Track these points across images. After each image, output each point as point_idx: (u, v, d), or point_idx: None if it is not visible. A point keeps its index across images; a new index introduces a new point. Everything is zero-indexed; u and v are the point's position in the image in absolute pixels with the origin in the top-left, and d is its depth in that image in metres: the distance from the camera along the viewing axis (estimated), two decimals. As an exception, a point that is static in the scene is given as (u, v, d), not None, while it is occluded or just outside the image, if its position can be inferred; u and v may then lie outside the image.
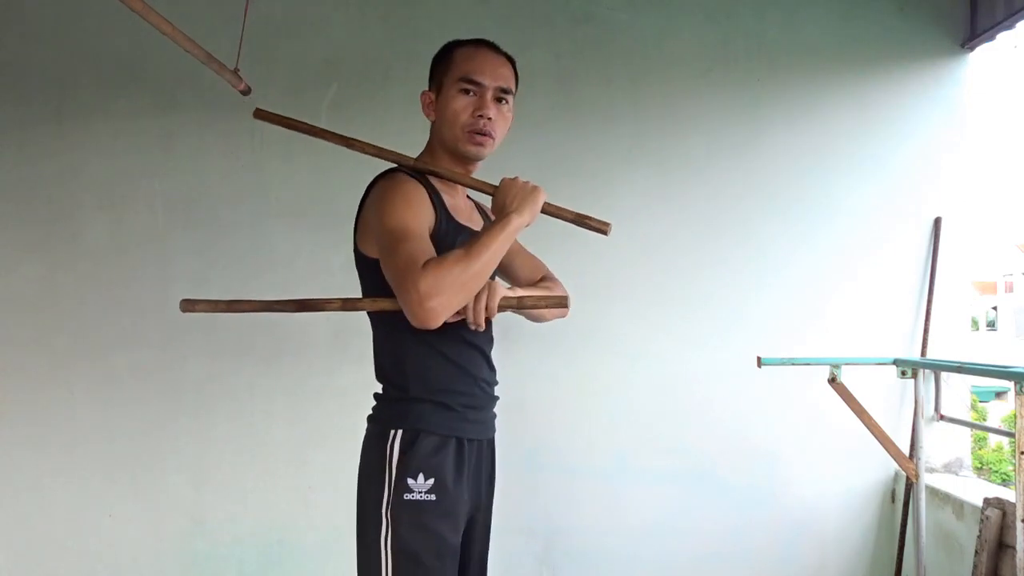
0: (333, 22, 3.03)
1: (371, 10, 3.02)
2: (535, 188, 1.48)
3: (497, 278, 1.52)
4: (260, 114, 1.63)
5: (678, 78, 3.01)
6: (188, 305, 1.54)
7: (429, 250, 1.37)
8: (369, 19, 3.02)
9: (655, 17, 3.02)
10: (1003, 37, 2.90)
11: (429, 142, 1.62)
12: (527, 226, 1.46)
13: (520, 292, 1.55)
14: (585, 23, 3.02)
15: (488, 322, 1.51)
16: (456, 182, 1.57)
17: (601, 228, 1.52)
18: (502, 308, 1.44)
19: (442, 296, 1.31)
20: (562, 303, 1.52)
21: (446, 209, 1.52)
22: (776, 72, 3.02)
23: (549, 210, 1.51)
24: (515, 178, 1.50)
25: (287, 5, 3.00)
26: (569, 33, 3.02)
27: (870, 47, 3.01)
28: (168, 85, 2.98)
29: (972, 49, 2.99)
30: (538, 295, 1.53)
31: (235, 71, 2.10)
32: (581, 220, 1.52)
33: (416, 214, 1.44)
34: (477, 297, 1.40)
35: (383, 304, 1.45)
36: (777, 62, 3.02)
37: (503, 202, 1.47)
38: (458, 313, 1.39)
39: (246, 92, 2.18)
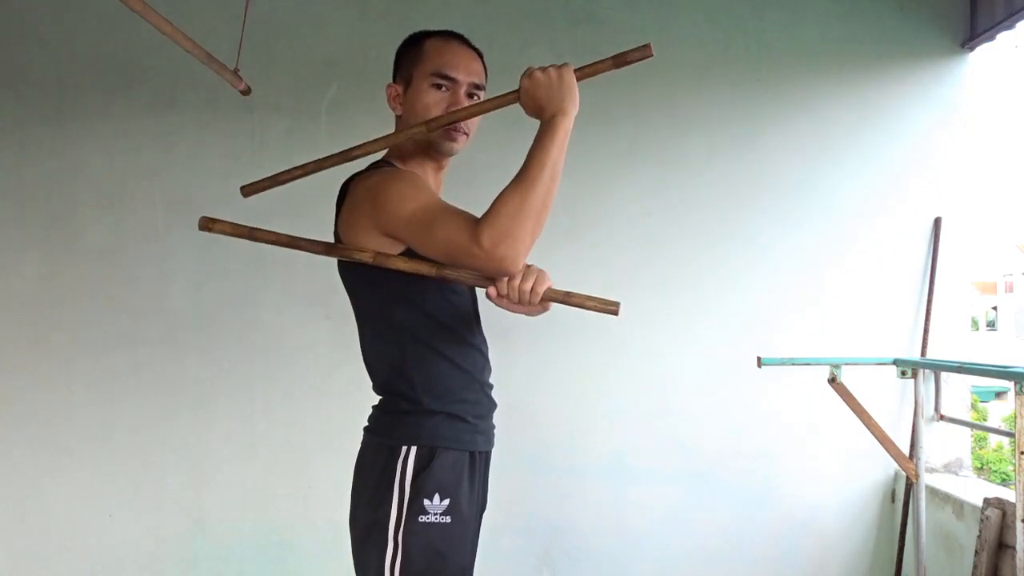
0: (333, 22, 3.02)
1: (371, 10, 3.02)
2: (560, 69, 1.30)
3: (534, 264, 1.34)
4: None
5: (678, 78, 3.01)
6: (207, 223, 1.45)
7: (467, 212, 1.26)
8: (369, 19, 3.02)
9: (655, 17, 3.02)
10: (1003, 37, 2.90)
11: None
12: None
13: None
14: (585, 23, 3.02)
15: (479, 321, 1.49)
16: (474, 115, 1.42)
17: (644, 55, 1.29)
18: (546, 298, 1.32)
19: (508, 239, 1.18)
20: (612, 309, 1.32)
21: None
22: (776, 72, 3.02)
23: (584, 75, 1.32)
24: (543, 71, 1.30)
25: (287, 5, 3.00)
26: (569, 33, 3.01)
27: (870, 47, 3.01)
28: (168, 85, 2.98)
29: (972, 49, 3.00)
30: (586, 295, 1.34)
31: (235, 71, 2.10)
32: (621, 59, 1.31)
33: (432, 190, 1.38)
34: (524, 277, 1.28)
35: (420, 267, 1.31)
36: (777, 62, 3.02)
37: (538, 104, 1.30)
38: (500, 296, 1.30)
39: (246, 92, 2.19)
